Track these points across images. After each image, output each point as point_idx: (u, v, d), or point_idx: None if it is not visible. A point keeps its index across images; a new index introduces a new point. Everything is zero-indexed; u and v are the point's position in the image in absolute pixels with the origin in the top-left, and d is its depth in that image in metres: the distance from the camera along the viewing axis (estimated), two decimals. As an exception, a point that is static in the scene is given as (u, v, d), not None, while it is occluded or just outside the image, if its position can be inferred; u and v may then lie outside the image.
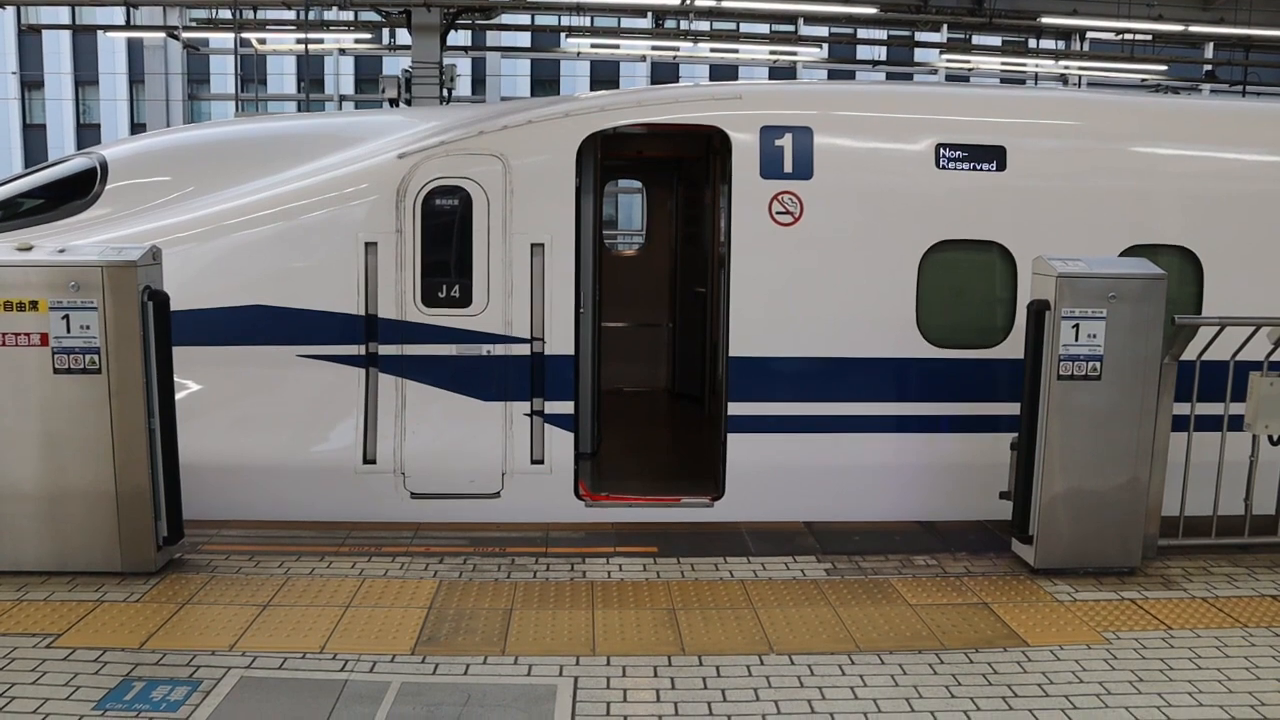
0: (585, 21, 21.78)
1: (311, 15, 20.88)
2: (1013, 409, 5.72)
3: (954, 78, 25.54)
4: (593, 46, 22.06)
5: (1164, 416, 5.47)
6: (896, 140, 6.74)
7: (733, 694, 4.09)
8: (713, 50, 22.97)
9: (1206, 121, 7.48)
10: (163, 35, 23.49)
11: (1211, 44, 23.98)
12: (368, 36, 22.52)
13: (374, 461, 6.39)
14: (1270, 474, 5.80)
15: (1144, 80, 23.62)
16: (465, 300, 6.41)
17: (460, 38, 23.31)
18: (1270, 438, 5.73)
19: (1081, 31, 22.57)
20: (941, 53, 23.49)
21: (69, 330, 4.97)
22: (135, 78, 34.92)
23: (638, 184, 11.71)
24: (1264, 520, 5.84)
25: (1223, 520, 5.75)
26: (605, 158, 7.91)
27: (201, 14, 22.33)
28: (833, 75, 28.07)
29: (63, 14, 30.16)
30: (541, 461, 6.48)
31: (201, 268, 6.41)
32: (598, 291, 7.72)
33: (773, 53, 22.60)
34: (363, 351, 6.40)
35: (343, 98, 33.42)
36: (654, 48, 22.62)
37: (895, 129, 6.80)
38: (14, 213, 6.93)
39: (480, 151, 6.42)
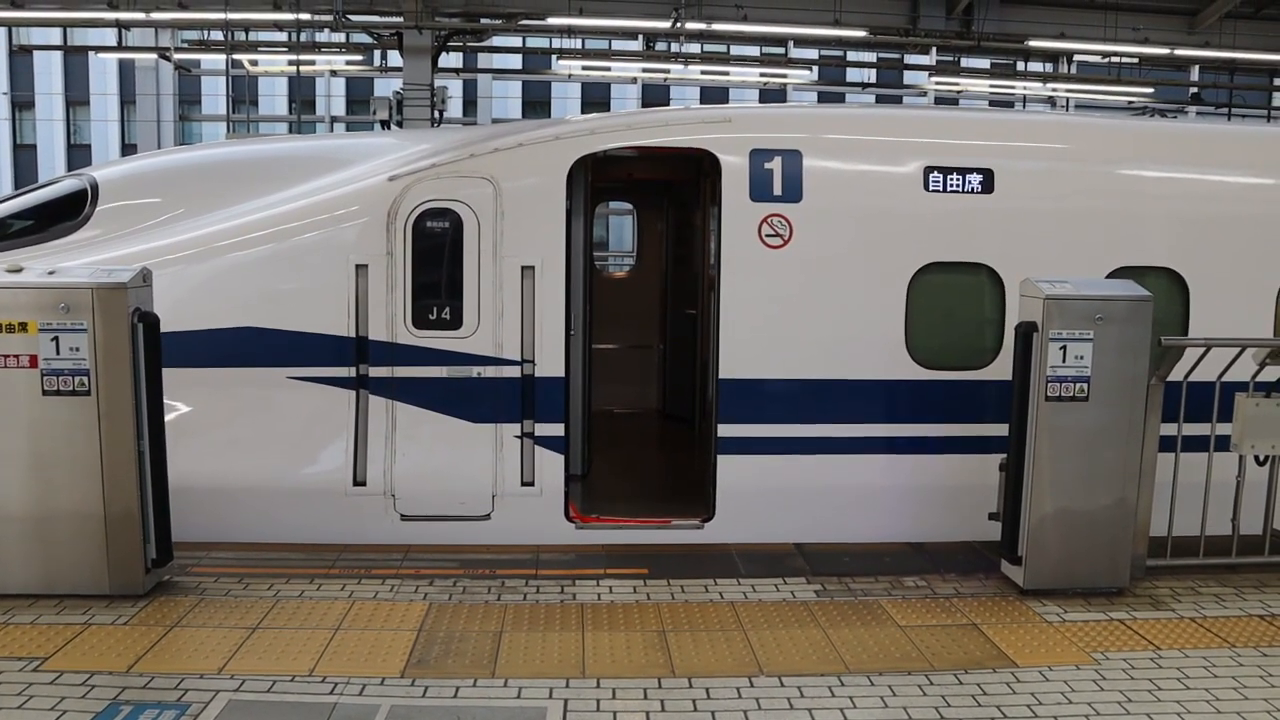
0: (576, 44, 21.88)
1: (303, 37, 20.95)
2: (1001, 430, 5.74)
3: (943, 100, 25.70)
4: (584, 69, 22.15)
5: (1151, 437, 5.50)
6: (885, 163, 6.79)
7: (722, 716, 4.08)
8: (703, 72, 23.08)
9: (1193, 144, 7.54)
10: (154, 56, 23.58)
11: (1197, 67, 24.22)
12: (359, 58, 22.57)
13: (364, 483, 6.39)
14: (1257, 494, 5.83)
15: (1130, 103, 23.81)
16: (456, 322, 6.42)
17: (452, 60, 23.43)
18: (1257, 458, 5.77)
19: (1069, 54, 22.73)
20: (930, 75, 23.66)
21: (58, 352, 4.96)
22: (126, 98, 34.99)
23: (628, 206, 11.76)
24: (1251, 540, 5.86)
25: (1210, 540, 5.77)
26: (596, 180, 7.95)
27: (193, 35, 22.41)
28: (822, 97, 28.25)
29: (54, 35, 30.18)
30: (532, 483, 6.48)
31: (192, 289, 6.42)
32: (588, 313, 7.74)
33: (763, 75, 22.74)
34: (353, 373, 6.40)
35: (334, 119, 33.41)
36: (645, 70, 22.72)
37: (884, 152, 6.86)
38: (4, 234, 6.92)
39: (471, 174, 6.45)
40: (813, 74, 24.04)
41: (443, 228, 6.43)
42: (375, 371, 6.40)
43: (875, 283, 6.62)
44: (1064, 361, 5.30)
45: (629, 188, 10.79)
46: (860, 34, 20.01)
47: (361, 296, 6.39)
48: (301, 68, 21.12)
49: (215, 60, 23.43)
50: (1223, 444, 5.72)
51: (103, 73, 36.09)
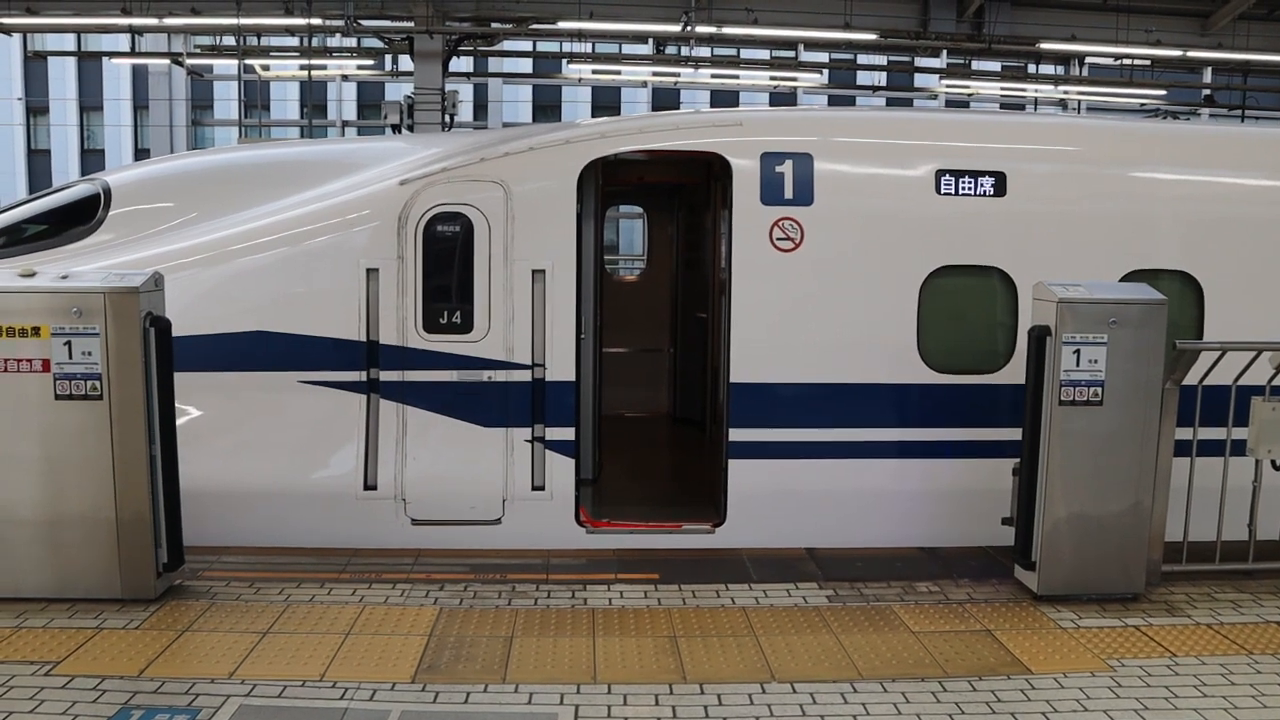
0: (587, 48, 21.90)
1: (315, 42, 21.02)
2: (1014, 434, 5.71)
3: (954, 103, 25.62)
4: (594, 73, 22.16)
5: (1166, 441, 5.46)
6: (897, 166, 6.77)
7: (734, 722, 4.06)
8: (713, 76, 23.06)
9: (1206, 146, 7.50)
10: (167, 61, 23.67)
11: (1209, 69, 24.07)
12: (370, 63, 22.65)
13: (375, 488, 6.38)
14: (1274, 499, 5.78)
15: (1142, 105, 23.69)
16: (466, 326, 6.42)
17: (462, 64, 23.43)
18: (1273, 462, 5.72)
19: (1080, 57, 22.63)
20: (941, 78, 23.57)
21: (71, 356, 4.97)
22: (140, 103, 35.08)
23: (639, 209, 11.75)
24: (1268, 545, 5.82)
25: (1226, 545, 5.72)
26: (607, 183, 7.94)
27: (206, 40, 22.49)
28: (833, 101, 28.20)
29: (68, 41, 30.38)
30: (542, 488, 6.47)
31: (204, 293, 6.42)
32: (599, 317, 7.73)
33: (773, 78, 22.68)
34: (364, 377, 6.41)
35: (345, 124, 33.54)
36: (655, 74, 22.71)
37: (895, 155, 6.83)
38: (18, 239, 6.96)
39: (482, 178, 6.45)
40: (823, 77, 23.96)
41: (453, 231, 6.42)
42: (386, 375, 6.40)
43: (887, 286, 6.59)
44: (1077, 365, 5.26)
45: (640, 191, 10.78)
46: (870, 37, 19.95)
47: (372, 300, 6.39)
48: (313, 72, 21.20)
49: (228, 65, 23.55)
50: (1239, 448, 5.67)
51: (116, 78, 36.21)
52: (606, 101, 35.54)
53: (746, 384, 6.54)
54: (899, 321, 6.58)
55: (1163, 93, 22.46)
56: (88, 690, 4.21)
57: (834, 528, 6.45)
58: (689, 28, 18.72)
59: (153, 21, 18.44)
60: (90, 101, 37.55)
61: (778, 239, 6.50)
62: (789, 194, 6.51)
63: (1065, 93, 23.16)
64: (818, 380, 6.58)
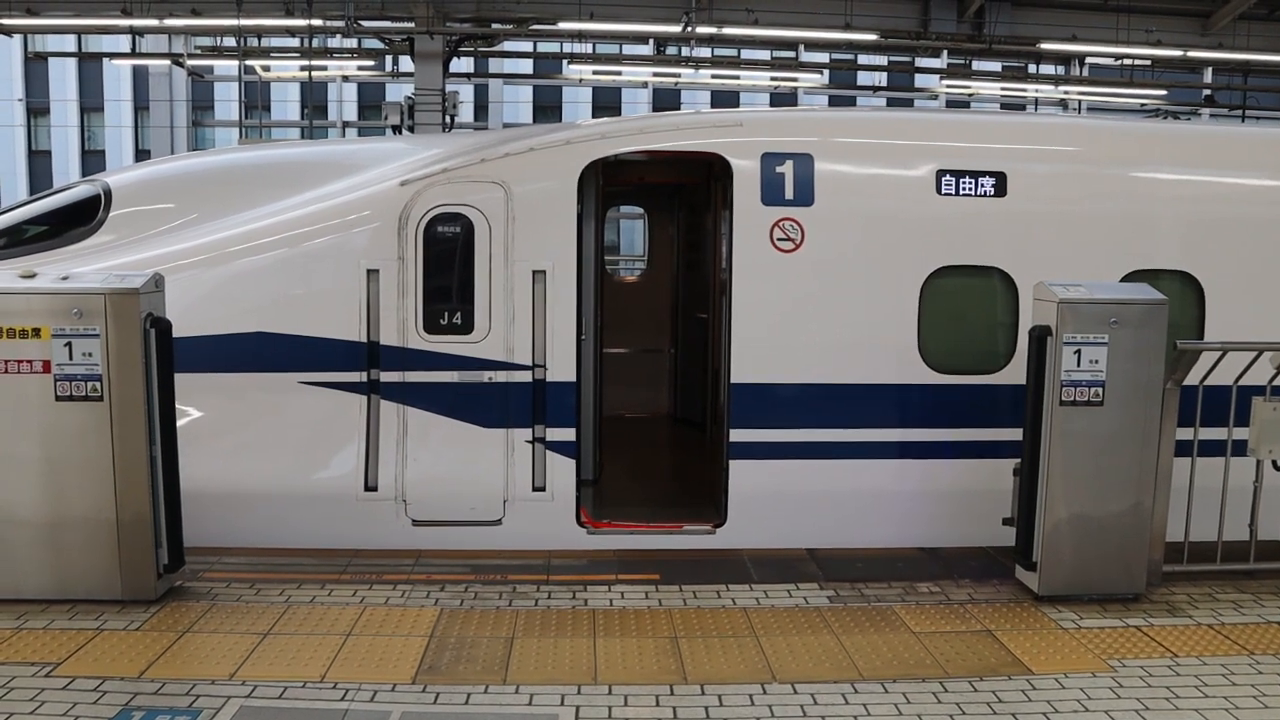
0: (587, 48, 21.91)
1: (315, 43, 21.03)
2: (1015, 434, 5.71)
3: (954, 103, 25.64)
4: (595, 73, 22.19)
5: (1167, 442, 5.45)
6: (897, 166, 6.76)
7: (735, 723, 4.06)
8: (714, 77, 23.10)
9: (1206, 146, 7.50)
10: (168, 62, 23.70)
11: (1210, 69, 24.10)
12: (371, 64, 22.67)
13: (375, 488, 6.38)
14: (1275, 499, 5.78)
15: (1143, 105, 23.71)
16: (467, 327, 6.41)
17: (463, 65, 23.45)
18: (1274, 463, 5.71)
19: (1081, 57, 22.68)
20: (942, 78, 23.59)
21: (71, 357, 4.97)
22: (140, 104, 35.12)
23: (640, 210, 11.76)
24: (1269, 546, 5.81)
25: (1227, 546, 5.71)
26: (607, 184, 7.94)
27: (206, 41, 22.52)
28: (834, 101, 28.21)
29: (69, 42, 30.43)
30: (543, 488, 6.47)
31: (204, 294, 6.42)
32: (599, 317, 7.73)
33: (774, 79, 22.71)
34: (365, 378, 6.40)
35: (346, 125, 33.56)
36: (655, 74, 22.75)
37: (896, 155, 6.83)
38: (18, 240, 6.96)
39: (482, 179, 6.45)
40: (823, 77, 23.99)
41: (454, 232, 6.42)
42: (386, 376, 6.40)
43: (888, 286, 6.59)
44: (1078, 365, 5.26)
45: (640, 192, 10.78)
46: (871, 37, 19.97)
47: (373, 301, 6.39)
48: (314, 73, 21.21)
49: (228, 66, 23.57)
50: (1239, 449, 5.67)
51: (117, 79, 36.23)
52: (607, 102, 35.55)
53: (747, 384, 6.54)
54: (900, 322, 6.58)
55: (1163, 93, 22.48)
56: (88, 691, 4.21)
57: (835, 528, 6.45)
58: (689, 28, 18.74)
59: (153, 22, 18.47)
60: (91, 102, 37.57)
61: (778, 239, 6.50)
62: (789, 194, 6.51)
63: (1066, 93, 23.19)
64: (818, 381, 6.58)
